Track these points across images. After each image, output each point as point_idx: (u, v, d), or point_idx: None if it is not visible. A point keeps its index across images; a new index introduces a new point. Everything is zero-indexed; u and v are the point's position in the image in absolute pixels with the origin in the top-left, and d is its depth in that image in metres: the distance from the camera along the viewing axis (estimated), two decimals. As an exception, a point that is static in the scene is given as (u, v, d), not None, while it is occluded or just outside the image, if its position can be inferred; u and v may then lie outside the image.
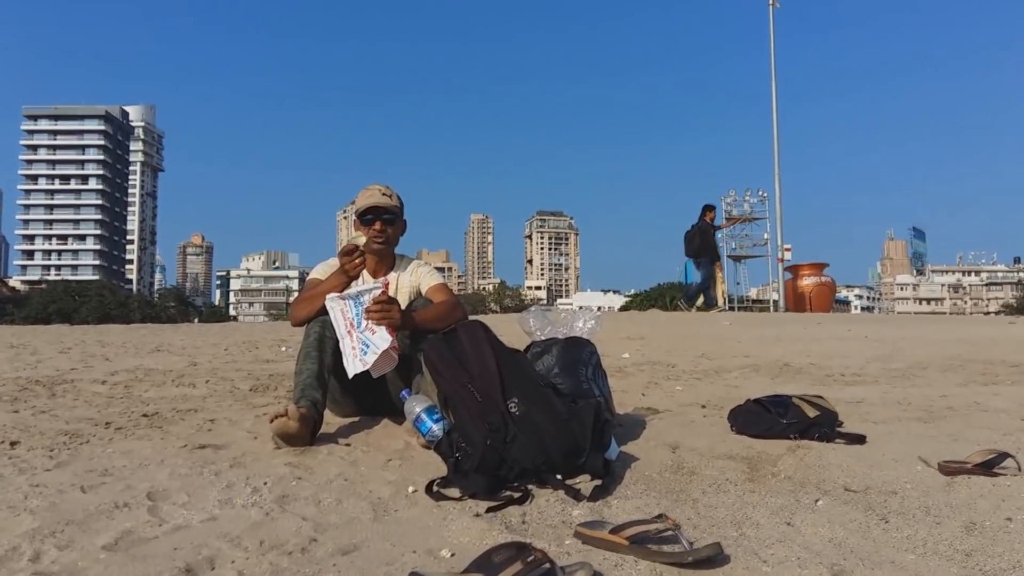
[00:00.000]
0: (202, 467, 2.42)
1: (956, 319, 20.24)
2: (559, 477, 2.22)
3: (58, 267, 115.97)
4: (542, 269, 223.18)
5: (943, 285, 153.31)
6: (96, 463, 2.48)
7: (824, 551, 1.71)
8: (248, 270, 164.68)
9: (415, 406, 2.62)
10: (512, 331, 3.35)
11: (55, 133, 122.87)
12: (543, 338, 3.11)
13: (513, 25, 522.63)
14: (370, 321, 2.77)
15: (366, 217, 3.15)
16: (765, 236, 22.38)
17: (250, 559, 1.66)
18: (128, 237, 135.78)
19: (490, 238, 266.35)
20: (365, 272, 3.10)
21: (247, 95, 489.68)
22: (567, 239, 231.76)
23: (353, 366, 2.75)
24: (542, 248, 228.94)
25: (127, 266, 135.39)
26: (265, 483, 2.24)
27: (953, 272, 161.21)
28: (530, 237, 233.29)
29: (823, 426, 2.87)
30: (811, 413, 2.92)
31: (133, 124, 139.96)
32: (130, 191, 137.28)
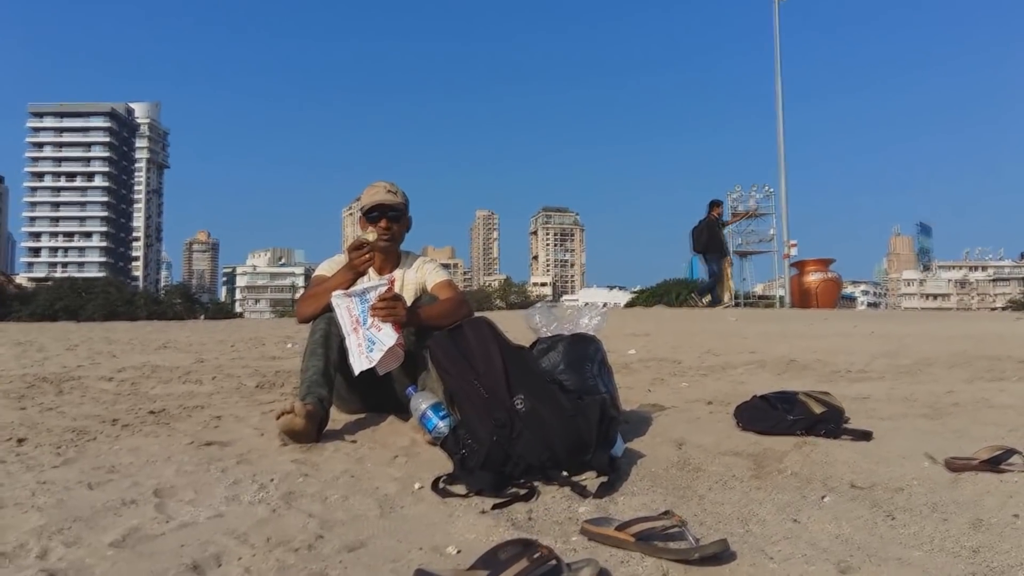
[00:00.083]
0: (209, 464, 2.43)
1: (962, 315, 20.21)
2: (565, 474, 2.22)
3: (64, 264, 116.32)
4: (548, 265, 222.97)
5: (949, 281, 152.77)
6: (103, 460, 2.49)
7: (830, 547, 1.70)
8: (254, 267, 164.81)
9: (421, 403, 2.62)
10: (518, 327, 3.35)
11: (61, 130, 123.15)
12: (549, 334, 3.11)
13: (513, 25, 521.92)
14: (376, 318, 2.77)
15: (372, 214, 3.15)
16: (771, 232, 22.34)
17: (257, 556, 1.66)
18: (134, 234, 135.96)
19: (496, 234, 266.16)
20: (371, 269, 3.10)
21: (250, 94, 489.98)
22: (573, 235, 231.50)
23: (359, 363, 2.75)
24: (548, 244, 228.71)
25: (133, 263, 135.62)
26: (271, 480, 2.24)
27: (959, 268, 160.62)
28: (535, 233, 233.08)
29: (829, 422, 2.87)
30: (817, 409, 2.92)
31: (138, 121, 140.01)
32: (136, 188, 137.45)
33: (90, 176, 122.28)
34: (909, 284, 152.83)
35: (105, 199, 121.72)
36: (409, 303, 2.95)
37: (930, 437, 2.87)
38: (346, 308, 2.82)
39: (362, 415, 3.18)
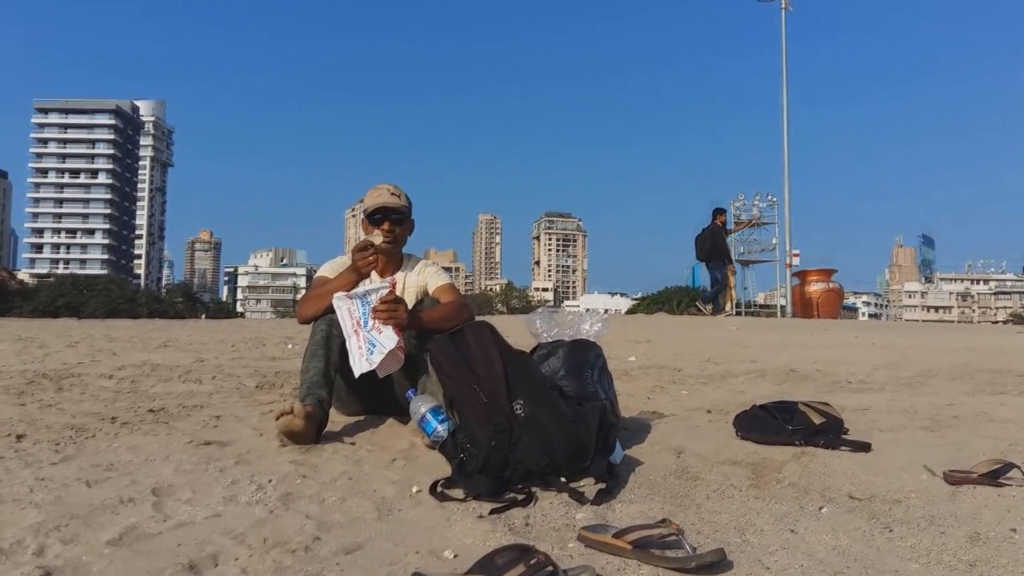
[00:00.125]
0: (207, 463, 2.43)
1: (964, 327, 20.20)
2: (563, 479, 2.22)
3: (66, 261, 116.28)
4: (549, 270, 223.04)
5: (951, 293, 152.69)
6: (101, 458, 2.49)
7: (828, 559, 1.70)
8: (256, 267, 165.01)
9: (420, 406, 2.62)
10: (518, 332, 3.35)
11: (65, 127, 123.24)
12: (549, 340, 3.11)
13: (513, 25, 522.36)
14: (377, 321, 2.77)
15: (375, 216, 3.16)
16: (773, 241, 22.39)
17: (253, 556, 1.66)
18: (137, 232, 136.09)
19: (498, 239, 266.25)
20: (373, 271, 3.10)
21: (251, 94, 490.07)
22: (575, 241, 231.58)
23: (359, 366, 2.75)
24: (550, 249, 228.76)
25: (135, 261, 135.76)
26: (270, 480, 2.25)
27: (961, 280, 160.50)
28: (538, 238, 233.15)
29: (828, 433, 2.86)
30: (817, 420, 2.92)
31: (143, 119, 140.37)
32: (139, 186, 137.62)
33: (94, 173, 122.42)
34: (911, 296, 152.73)
35: (108, 196, 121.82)
36: (410, 306, 2.95)
37: (930, 450, 2.86)
38: (347, 310, 2.82)
39: (361, 417, 3.18)
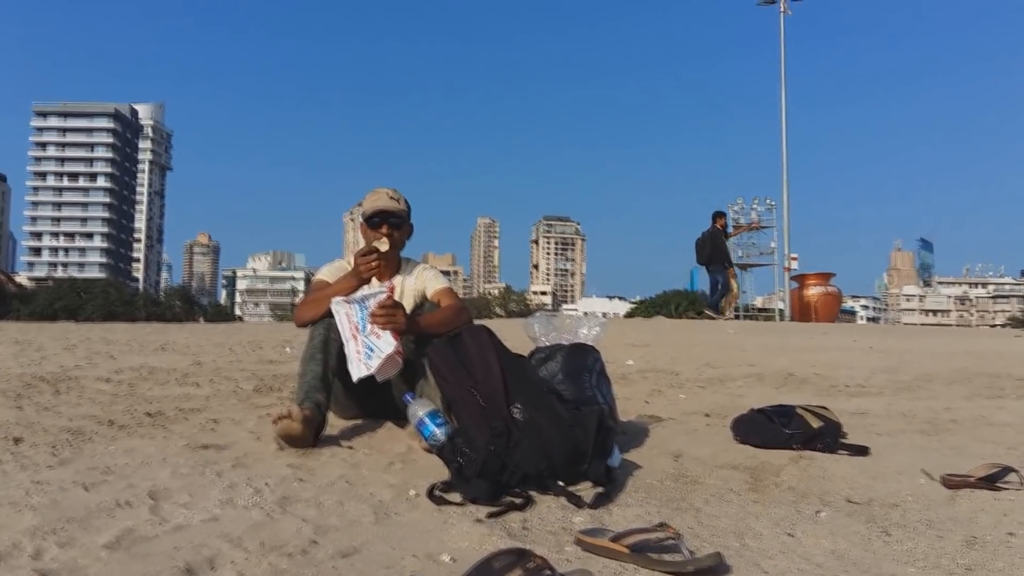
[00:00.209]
0: (204, 467, 2.43)
1: (962, 331, 20.20)
2: (561, 483, 2.21)
3: (65, 264, 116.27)
4: (548, 274, 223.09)
5: (949, 297, 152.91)
6: (99, 461, 2.49)
7: (825, 563, 1.70)
8: (254, 270, 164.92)
9: (418, 410, 2.62)
10: (517, 336, 3.35)
11: (64, 130, 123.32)
12: (547, 344, 3.11)
13: (513, 26, 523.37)
14: (375, 325, 2.77)
15: (373, 220, 3.16)
16: (772, 245, 22.40)
17: (250, 560, 1.66)
18: (135, 235, 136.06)
19: (497, 242, 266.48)
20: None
21: (251, 95, 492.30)
22: (573, 244, 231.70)
23: (357, 370, 2.75)
24: (548, 253, 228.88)
25: (134, 264, 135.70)
26: (267, 484, 2.24)
27: (960, 284, 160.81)
28: (536, 242, 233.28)
29: (826, 437, 2.87)
30: (815, 424, 2.92)
31: (142, 122, 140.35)
32: (138, 189, 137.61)
33: (93, 176, 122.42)
34: (909, 300, 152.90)
35: (107, 200, 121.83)
36: (409, 310, 2.95)
37: (927, 454, 2.87)
38: (345, 314, 2.82)
39: (359, 421, 3.18)
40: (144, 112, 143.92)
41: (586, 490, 2.21)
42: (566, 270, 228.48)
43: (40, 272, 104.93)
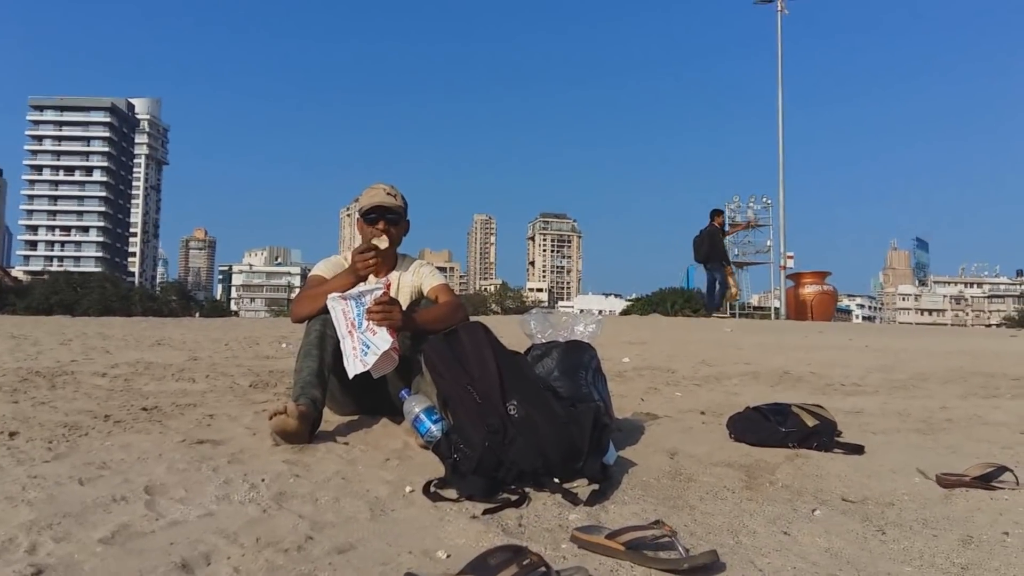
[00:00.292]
0: (200, 462, 2.43)
1: (958, 331, 20.25)
2: (557, 480, 2.21)
3: (61, 258, 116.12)
4: (544, 271, 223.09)
5: (945, 296, 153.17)
6: (94, 456, 2.48)
7: (820, 561, 1.71)
8: (250, 265, 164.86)
9: (414, 406, 2.62)
10: (513, 333, 3.35)
11: (60, 124, 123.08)
12: (544, 341, 3.11)
13: (513, 26, 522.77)
14: (371, 322, 2.77)
15: (370, 216, 3.15)
16: (768, 243, 22.46)
17: (246, 556, 1.66)
18: (131, 230, 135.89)
19: (493, 239, 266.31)
20: (368, 272, 3.10)
21: (250, 94, 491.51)
22: (570, 242, 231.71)
23: (354, 366, 2.74)
24: (544, 250, 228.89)
25: (130, 259, 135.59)
26: (263, 480, 2.24)
27: (955, 284, 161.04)
28: (533, 239, 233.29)
29: (822, 435, 2.87)
30: (810, 422, 2.92)
31: (139, 117, 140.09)
32: (134, 184, 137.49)
33: (89, 171, 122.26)
34: (905, 299, 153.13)
35: (103, 194, 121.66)
36: (405, 306, 2.94)
37: (923, 452, 2.87)
38: (342, 311, 2.81)
39: (355, 417, 3.17)
40: (140, 106, 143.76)
41: (582, 487, 2.21)
42: (562, 267, 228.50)
43: (36, 266, 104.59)
